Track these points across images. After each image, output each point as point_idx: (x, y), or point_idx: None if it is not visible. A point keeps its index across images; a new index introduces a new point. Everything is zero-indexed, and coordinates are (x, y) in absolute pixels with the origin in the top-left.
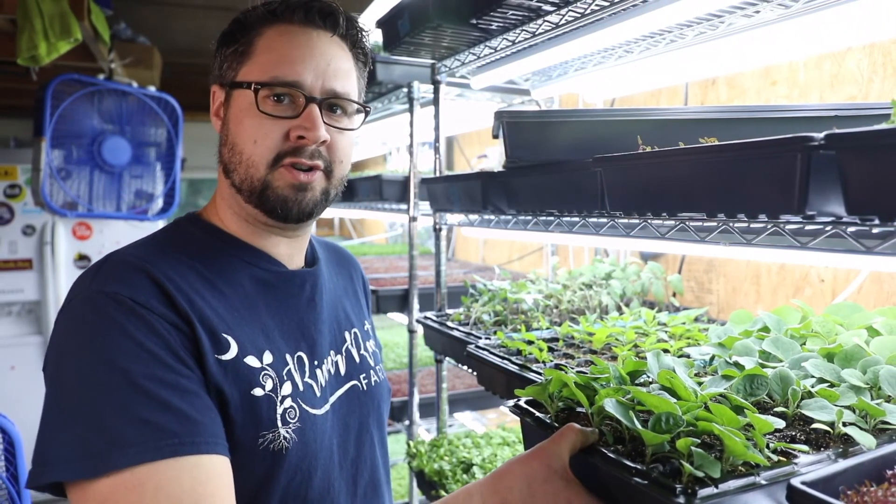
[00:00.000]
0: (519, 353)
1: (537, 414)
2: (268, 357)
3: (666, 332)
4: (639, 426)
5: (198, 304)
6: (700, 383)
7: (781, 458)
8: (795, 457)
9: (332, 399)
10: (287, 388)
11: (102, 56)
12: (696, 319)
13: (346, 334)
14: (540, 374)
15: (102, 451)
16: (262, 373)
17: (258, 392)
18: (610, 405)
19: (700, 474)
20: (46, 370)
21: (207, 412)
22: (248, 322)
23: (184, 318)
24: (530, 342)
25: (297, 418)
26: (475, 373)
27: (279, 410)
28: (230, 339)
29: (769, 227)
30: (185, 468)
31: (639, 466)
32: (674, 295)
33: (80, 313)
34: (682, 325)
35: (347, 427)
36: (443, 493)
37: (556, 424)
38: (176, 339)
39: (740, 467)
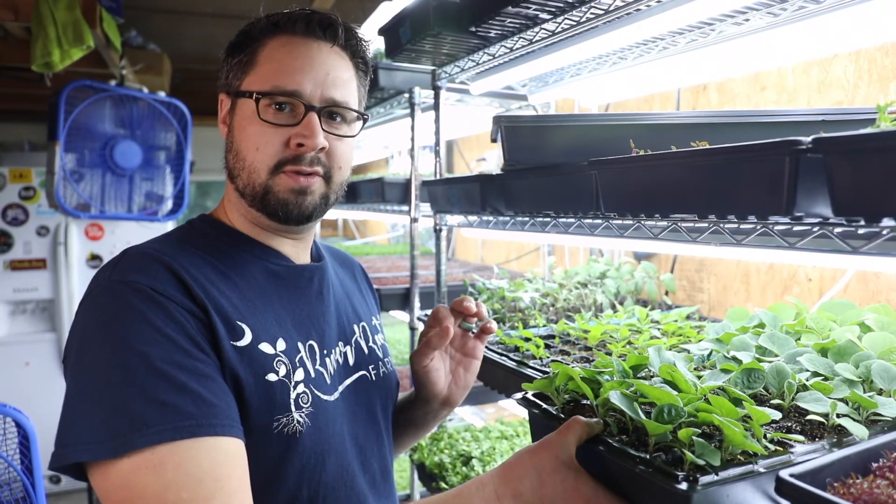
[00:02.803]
0: (516, 349)
1: (544, 406)
2: (281, 344)
3: (659, 329)
4: (643, 417)
5: (213, 293)
6: (699, 377)
7: (778, 448)
8: (791, 446)
9: (342, 387)
10: (300, 374)
11: (114, 63)
12: (688, 317)
13: (355, 327)
14: (537, 369)
15: (124, 432)
16: (276, 359)
17: (272, 377)
18: (615, 397)
19: (701, 462)
20: (68, 359)
21: (223, 396)
22: (261, 311)
23: (200, 306)
24: (527, 339)
25: (309, 403)
26: None
27: (292, 395)
28: (244, 326)
29: (758, 227)
30: (204, 449)
31: (643, 455)
32: (666, 293)
33: (101, 302)
34: (675, 322)
35: (356, 415)
36: (443, 484)
37: (563, 416)
38: (193, 325)
39: (739, 456)
